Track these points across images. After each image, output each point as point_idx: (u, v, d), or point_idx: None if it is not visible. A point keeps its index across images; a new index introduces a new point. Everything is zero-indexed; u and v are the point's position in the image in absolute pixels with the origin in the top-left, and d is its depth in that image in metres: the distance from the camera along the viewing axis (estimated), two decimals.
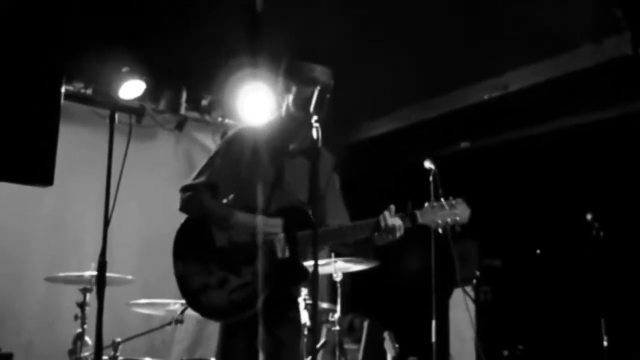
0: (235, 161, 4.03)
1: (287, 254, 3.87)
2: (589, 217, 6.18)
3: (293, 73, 4.04)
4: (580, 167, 7.27)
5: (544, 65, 7.06)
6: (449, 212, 3.95)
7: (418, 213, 3.95)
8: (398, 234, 3.87)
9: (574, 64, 6.83)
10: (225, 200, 4.09)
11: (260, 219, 3.91)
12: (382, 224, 3.85)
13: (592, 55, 6.72)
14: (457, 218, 3.96)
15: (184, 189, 4.06)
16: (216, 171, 4.03)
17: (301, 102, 3.93)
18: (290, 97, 4.04)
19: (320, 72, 4.00)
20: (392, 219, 3.85)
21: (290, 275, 3.93)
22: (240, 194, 4.04)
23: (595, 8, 6.25)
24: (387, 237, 3.88)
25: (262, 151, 4.06)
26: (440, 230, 3.97)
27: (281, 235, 3.88)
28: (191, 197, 4.02)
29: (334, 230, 3.95)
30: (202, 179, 4.03)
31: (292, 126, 4.10)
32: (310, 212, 3.93)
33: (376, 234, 3.89)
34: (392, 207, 3.89)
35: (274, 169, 4.05)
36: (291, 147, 4.11)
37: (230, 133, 4.24)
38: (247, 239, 3.90)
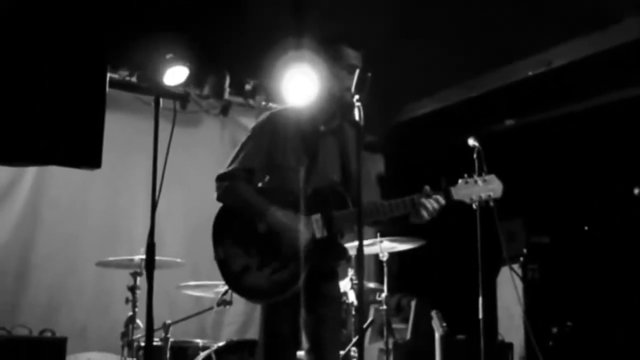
0: (268, 145, 4.06)
1: (324, 233, 3.91)
2: (636, 191, 6.12)
3: (327, 56, 4.08)
4: (627, 142, 7.18)
5: (588, 39, 6.98)
6: (482, 188, 3.98)
7: (452, 189, 3.98)
8: (434, 214, 3.90)
9: (617, 37, 6.74)
10: (260, 184, 4.12)
11: (294, 220, 3.94)
12: (418, 202, 3.88)
13: (635, 28, 6.63)
14: (491, 193, 3.99)
15: (220, 178, 4.10)
16: (250, 156, 4.06)
17: (334, 86, 4.01)
18: (326, 80, 4.08)
19: (349, 54, 4.04)
20: (428, 200, 3.88)
21: (329, 255, 3.98)
22: (275, 177, 4.08)
23: None
24: (423, 215, 3.90)
25: (294, 133, 4.10)
26: (474, 206, 4.01)
27: (318, 216, 3.92)
28: (227, 188, 4.05)
29: (372, 208, 3.97)
30: (236, 164, 4.06)
31: (321, 107, 4.15)
32: (343, 191, 4.00)
33: (412, 212, 3.92)
34: (427, 187, 3.92)
35: (306, 151, 4.08)
36: (322, 127, 4.15)
37: (261, 117, 4.27)
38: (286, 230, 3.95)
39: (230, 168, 4.08)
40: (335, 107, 4.11)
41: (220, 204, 4.11)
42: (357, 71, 3.81)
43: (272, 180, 4.09)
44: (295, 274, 3.87)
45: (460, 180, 4.01)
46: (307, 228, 3.94)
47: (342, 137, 4.17)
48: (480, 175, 4.03)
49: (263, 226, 3.97)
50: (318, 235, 3.91)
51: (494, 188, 4.00)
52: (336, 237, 4.00)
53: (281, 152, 4.05)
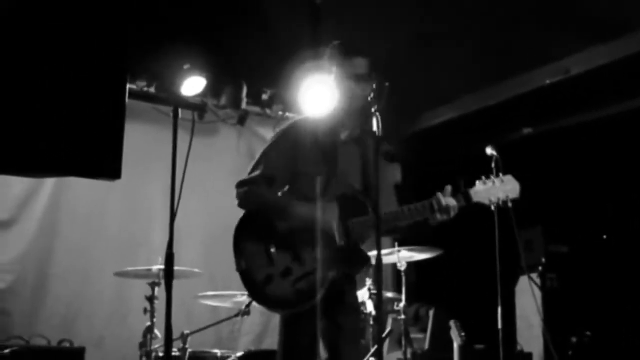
0: (289, 153, 4.09)
1: (345, 240, 3.91)
2: None
3: (336, 67, 4.13)
4: None
5: (605, 47, 6.96)
6: (500, 188, 3.98)
7: (471, 192, 3.97)
8: (453, 214, 3.90)
9: (635, 45, 6.72)
10: (280, 193, 4.13)
11: (317, 207, 3.97)
12: (436, 205, 3.87)
13: None
14: (509, 194, 3.98)
15: (240, 184, 4.12)
16: (271, 164, 4.09)
17: (346, 96, 4.07)
18: (339, 90, 4.10)
19: (359, 65, 4.08)
20: (447, 199, 3.88)
21: (352, 261, 3.98)
22: (295, 185, 4.09)
23: None
24: (442, 217, 3.90)
25: (315, 142, 4.13)
26: (492, 208, 4.00)
27: (338, 223, 3.93)
28: (248, 192, 4.08)
29: (391, 214, 3.97)
30: (257, 172, 4.09)
31: (342, 117, 4.18)
32: (364, 198, 4.00)
33: (431, 215, 3.92)
34: (449, 187, 3.93)
35: (327, 160, 4.11)
36: (343, 136, 4.17)
37: (282, 126, 4.30)
38: (307, 228, 3.95)
39: (251, 175, 4.10)
40: (356, 116, 4.14)
41: (238, 215, 4.12)
42: (375, 81, 3.82)
43: (293, 188, 4.11)
44: (319, 281, 3.87)
45: (477, 182, 4.01)
46: (331, 212, 3.95)
47: (363, 147, 4.20)
48: (497, 176, 4.03)
49: (285, 224, 3.97)
50: (339, 242, 3.92)
51: (512, 188, 4.00)
52: (357, 244, 3.99)
53: (302, 161, 4.08)
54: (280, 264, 3.93)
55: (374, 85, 3.75)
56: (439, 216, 3.89)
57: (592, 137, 7.68)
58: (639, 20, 6.61)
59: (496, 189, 3.98)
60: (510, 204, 4.03)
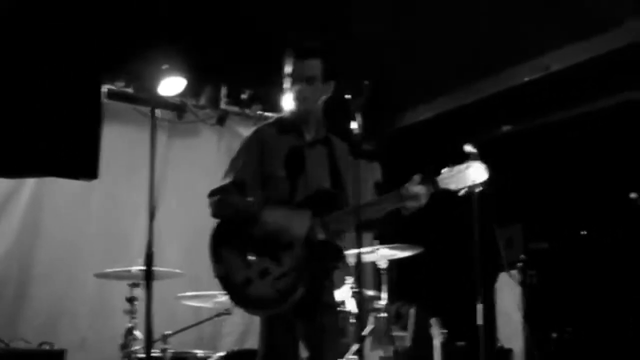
0: (256, 158, 4.13)
1: (321, 236, 3.94)
2: (633, 196, 6.13)
3: (291, 71, 4.16)
4: (625, 146, 7.18)
5: (586, 44, 6.98)
6: (466, 173, 4.00)
7: (438, 179, 4.01)
8: (422, 201, 3.93)
9: (616, 41, 6.75)
10: (251, 199, 4.15)
11: (287, 216, 3.99)
12: (405, 192, 3.90)
13: (635, 31, 6.64)
14: (476, 179, 4.01)
15: (211, 194, 4.14)
16: (240, 170, 4.12)
17: (304, 95, 4.13)
18: (292, 93, 4.16)
19: (312, 67, 4.13)
20: (415, 187, 3.92)
21: (328, 256, 4.00)
22: (267, 189, 4.11)
23: None
24: (412, 206, 3.93)
25: (281, 144, 4.17)
26: (461, 193, 4.03)
27: (316, 219, 3.95)
28: (219, 201, 4.09)
29: (361, 206, 3.99)
30: (227, 180, 4.12)
31: (305, 118, 4.21)
32: (337, 194, 4.04)
33: (401, 203, 3.95)
34: (417, 176, 3.97)
35: (294, 161, 4.13)
36: (307, 137, 4.20)
37: (247, 134, 4.33)
38: (280, 230, 3.97)
39: (222, 184, 4.13)
40: (319, 118, 4.21)
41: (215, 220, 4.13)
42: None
43: (265, 192, 4.12)
44: (298, 278, 3.89)
45: (444, 169, 4.04)
46: (303, 218, 3.97)
47: (330, 147, 4.24)
48: (463, 162, 4.07)
49: (258, 230, 3.98)
50: (320, 237, 3.93)
51: (478, 173, 4.02)
52: (333, 238, 4.01)
53: (271, 163, 4.11)
54: (256, 265, 3.94)
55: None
56: (409, 204, 3.92)
57: (572, 134, 7.71)
58: (619, 16, 6.64)
59: (463, 174, 4.00)
60: (478, 189, 4.07)
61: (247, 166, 4.13)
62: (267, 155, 4.14)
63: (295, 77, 4.14)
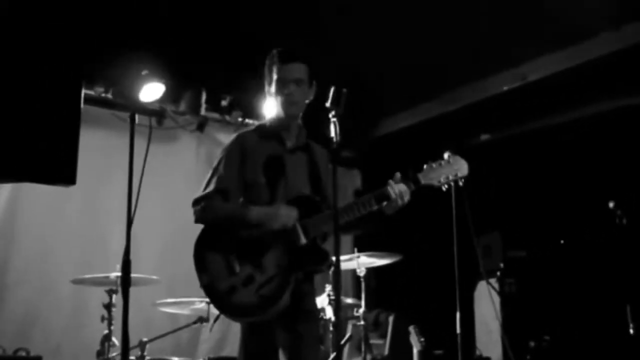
0: (238, 165, 4.12)
1: (303, 240, 3.94)
2: (611, 205, 6.17)
3: (275, 75, 4.16)
4: (602, 156, 7.23)
5: (563, 54, 7.03)
6: (448, 168, 4.05)
7: (420, 175, 4.05)
8: (406, 199, 3.97)
9: (592, 51, 6.80)
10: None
11: (275, 206, 4.00)
12: (389, 192, 3.93)
13: (611, 42, 6.69)
14: (457, 173, 4.06)
15: (196, 202, 4.12)
16: (223, 178, 4.11)
17: (288, 100, 4.11)
18: (280, 97, 4.13)
19: (296, 70, 4.12)
20: (397, 185, 3.95)
21: (311, 260, 3.99)
22: (248, 196, 4.11)
23: None
24: (395, 204, 3.97)
25: (262, 152, 4.16)
26: (444, 188, 4.06)
27: (297, 224, 3.95)
28: (204, 208, 4.08)
29: (344, 208, 3.99)
30: (211, 187, 4.11)
31: (286, 124, 4.21)
32: (317, 199, 4.05)
33: (384, 203, 3.97)
34: (398, 174, 4.01)
35: (275, 167, 4.12)
36: (288, 144, 4.20)
37: (228, 141, 4.32)
38: (265, 232, 3.96)
39: (205, 192, 4.11)
40: (298, 124, 4.21)
41: (197, 224, 4.11)
42: (333, 87, 3.85)
43: (246, 198, 4.12)
44: (282, 284, 3.88)
45: (425, 166, 4.08)
46: (289, 212, 3.97)
47: (310, 154, 4.24)
48: (443, 158, 4.08)
49: (244, 232, 3.98)
50: (302, 241, 3.93)
51: (460, 167, 4.07)
52: (316, 242, 4.01)
53: (252, 170, 4.10)
54: (241, 273, 3.93)
55: (332, 91, 3.77)
56: (392, 203, 3.93)
57: (549, 143, 7.75)
58: (596, 27, 6.69)
59: (444, 169, 4.05)
60: (460, 183, 4.09)
61: (229, 173, 4.12)
62: (249, 161, 4.14)
63: (282, 80, 4.12)
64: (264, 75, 4.26)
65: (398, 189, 3.96)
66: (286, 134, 4.23)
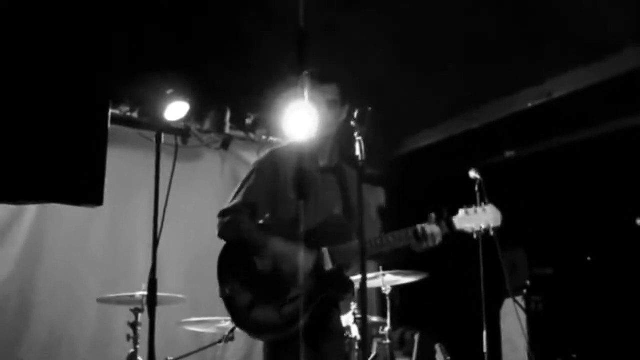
0: (269, 181, 4.12)
1: (330, 266, 3.92)
2: (638, 222, 6.11)
3: (308, 96, 4.15)
4: (629, 172, 7.17)
5: (588, 70, 6.99)
6: (482, 217, 4.06)
7: (454, 219, 4.02)
8: (437, 242, 3.95)
9: (617, 67, 6.76)
10: (262, 220, 4.14)
11: (296, 250, 3.96)
12: (421, 232, 3.89)
13: (636, 58, 6.65)
14: (491, 223, 4.04)
15: (222, 214, 4.13)
16: (251, 191, 4.11)
17: (325, 121, 4.13)
18: (313, 118, 4.13)
19: (329, 92, 4.15)
20: (431, 227, 3.93)
21: (336, 287, 3.98)
22: (277, 212, 4.10)
23: (637, 9, 6.20)
24: (426, 245, 3.93)
25: (294, 169, 4.16)
26: (475, 236, 4.05)
27: (324, 250, 3.94)
28: (228, 223, 4.08)
29: (373, 241, 3.99)
30: (238, 200, 4.11)
31: (320, 144, 4.19)
32: (346, 223, 4.03)
33: (415, 242, 3.93)
34: (433, 215, 3.98)
35: (306, 186, 4.13)
36: (321, 164, 4.19)
37: (262, 155, 4.33)
38: (286, 262, 3.95)
39: (232, 203, 4.11)
40: (332, 143, 4.21)
41: (222, 241, 4.12)
42: (347, 107, 3.87)
43: (274, 215, 4.11)
44: (303, 307, 3.87)
45: (460, 211, 4.07)
46: (308, 258, 3.94)
47: (342, 174, 4.23)
48: (479, 205, 4.08)
49: (264, 261, 3.97)
50: (327, 268, 3.92)
51: (493, 217, 4.06)
52: (342, 270, 4.00)
53: (283, 187, 4.09)
54: (264, 290, 3.92)
55: (348, 111, 3.78)
56: (423, 244, 3.92)
57: (575, 160, 7.71)
58: (620, 42, 6.66)
59: (478, 218, 4.04)
60: (492, 233, 4.08)
61: (258, 188, 4.12)
62: (281, 178, 4.14)
63: (314, 102, 4.14)
64: (293, 94, 4.27)
65: (431, 231, 3.94)
66: (319, 153, 4.23)
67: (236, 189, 4.17)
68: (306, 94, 4.17)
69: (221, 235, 4.12)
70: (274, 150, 4.31)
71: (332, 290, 4.00)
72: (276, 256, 3.96)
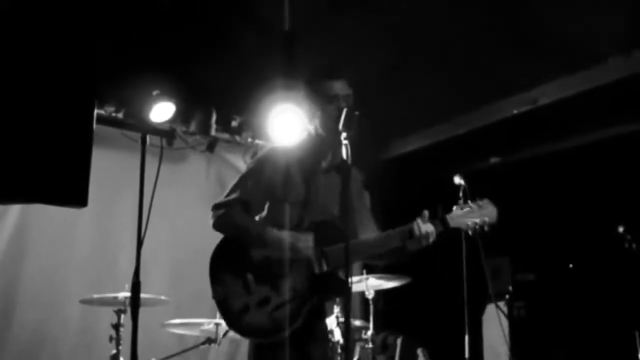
0: (267, 180, 4.09)
1: (324, 268, 3.92)
2: (620, 229, 6.15)
3: (314, 93, 4.14)
4: (611, 180, 7.22)
5: (573, 78, 7.04)
6: (477, 213, 4.02)
7: (448, 217, 4.01)
8: (431, 239, 3.93)
9: (603, 76, 6.81)
10: (257, 218, 4.13)
11: (292, 234, 3.97)
12: (416, 231, 3.89)
13: (621, 67, 6.70)
14: (486, 219, 4.03)
15: (216, 207, 4.12)
16: (248, 189, 4.09)
17: (327, 121, 4.04)
18: (317, 117, 4.11)
19: (339, 87, 4.09)
20: (425, 225, 3.91)
21: (329, 289, 3.97)
22: (273, 211, 4.09)
23: (623, 20, 6.24)
24: (420, 243, 3.93)
25: (294, 170, 4.13)
26: (470, 232, 4.03)
27: (316, 251, 3.93)
28: (224, 214, 4.07)
29: (367, 241, 3.99)
30: (234, 195, 4.09)
31: (321, 144, 4.17)
32: (342, 226, 4.02)
33: (409, 240, 3.94)
34: (426, 212, 3.96)
35: (306, 187, 4.10)
36: (322, 164, 4.17)
37: (261, 153, 4.31)
38: (284, 256, 3.95)
39: (227, 198, 4.10)
40: (335, 142, 4.15)
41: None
42: (345, 109, 3.84)
43: (271, 213, 4.10)
44: (296, 310, 3.88)
45: (455, 207, 4.06)
46: (306, 241, 3.95)
47: (344, 175, 4.20)
48: (474, 200, 4.06)
49: (260, 251, 3.97)
50: (317, 270, 3.92)
51: (489, 212, 4.04)
52: (336, 271, 3.99)
53: (281, 187, 4.08)
54: (256, 293, 3.92)
55: (344, 114, 3.77)
56: (417, 243, 3.91)
57: (559, 167, 7.75)
58: (606, 52, 6.70)
59: (473, 213, 4.02)
60: (487, 229, 4.06)
61: (256, 186, 4.10)
62: (278, 177, 4.11)
63: (322, 98, 4.10)
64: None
65: (425, 229, 3.91)
66: (321, 153, 4.20)
67: (233, 184, 4.15)
68: (311, 90, 4.16)
69: (215, 225, 4.10)
70: (273, 148, 4.28)
71: (325, 292, 4.00)
72: (271, 240, 3.96)
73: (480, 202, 4.07)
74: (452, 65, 6.96)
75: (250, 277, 3.94)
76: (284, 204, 4.08)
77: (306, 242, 3.96)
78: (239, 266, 3.98)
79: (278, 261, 3.96)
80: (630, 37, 6.46)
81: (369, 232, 4.14)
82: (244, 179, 4.16)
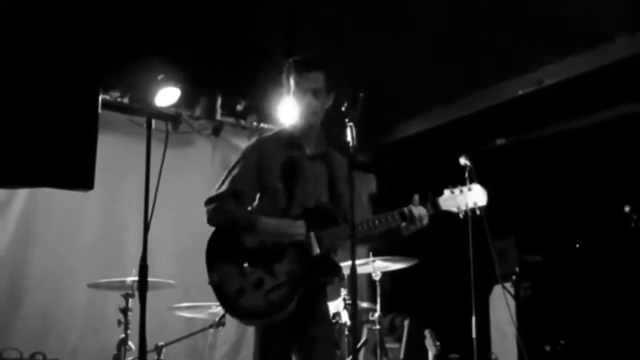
0: (255, 169, 4.14)
1: (317, 250, 3.95)
2: (627, 209, 6.15)
3: (294, 84, 4.18)
4: (618, 160, 7.20)
5: (578, 58, 7.01)
6: (467, 197, 4.10)
7: (439, 200, 4.08)
8: (424, 222, 4.01)
9: (608, 56, 6.78)
10: (249, 208, 4.16)
11: (284, 221, 4.02)
12: (407, 214, 3.93)
13: (626, 48, 6.68)
14: (477, 202, 4.09)
15: (208, 201, 4.16)
16: (238, 179, 4.13)
17: (311, 109, 4.14)
18: (298, 107, 4.14)
19: (314, 79, 4.14)
20: (417, 209, 3.99)
21: (323, 272, 4.01)
22: (263, 200, 4.13)
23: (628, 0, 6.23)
24: (413, 227, 4.00)
25: (282, 156, 4.18)
26: (461, 215, 4.09)
27: (311, 234, 3.96)
28: (216, 208, 4.11)
29: (363, 224, 4.01)
30: (224, 188, 4.14)
31: (306, 132, 4.21)
32: (333, 211, 4.06)
33: (402, 224, 4.00)
34: (417, 196, 4.03)
35: (294, 174, 4.13)
36: (308, 151, 4.21)
37: (248, 143, 4.34)
38: (277, 242, 3.98)
39: (218, 192, 4.14)
40: (319, 131, 4.23)
41: (212, 227, 4.13)
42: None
43: (261, 203, 4.14)
44: (291, 291, 3.90)
45: (445, 191, 4.13)
46: (298, 227, 3.98)
47: (330, 161, 4.25)
48: (464, 184, 4.11)
49: (253, 240, 4.00)
50: (313, 252, 3.94)
51: (479, 196, 4.09)
52: (329, 254, 4.02)
53: (269, 175, 4.12)
54: (251, 276, 3.96)
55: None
56: (410, 226, 3.96)
57: (565, 148, 7.74)
58: (611, 32, 6.67)
59: (463, 197, 4.09)
60: (478, 212, 4.13)
61: (245, 175, 4.14)
62: (266, 166, 4.16)
63: (300, 90, 4.15)
64: (281, 82, 4.28)
65: (418, 212, 3.99)
66: (306, 141, 4.25)
67: (222, 177, 4.20)
68: (291, 82, 4.19)
69: (210, 221, 4.14)
70: (259, 139, 4.33)
71: (319, 275, 4.03)
72: (263, 228, 3.99)
73: (471, 186, 4.14)
74: (457, 46, 6.94)
75: (245, 261, 3.97)
76: (274, 192, 4.12)
77: (299, 227, 4.00)
78: (234, 253, 4.02)
79: (272, 247, 4.00)
80: (635, 18, 6.43)
81: (360, 215, 4.16)
82: (232, 169, 4.22)
